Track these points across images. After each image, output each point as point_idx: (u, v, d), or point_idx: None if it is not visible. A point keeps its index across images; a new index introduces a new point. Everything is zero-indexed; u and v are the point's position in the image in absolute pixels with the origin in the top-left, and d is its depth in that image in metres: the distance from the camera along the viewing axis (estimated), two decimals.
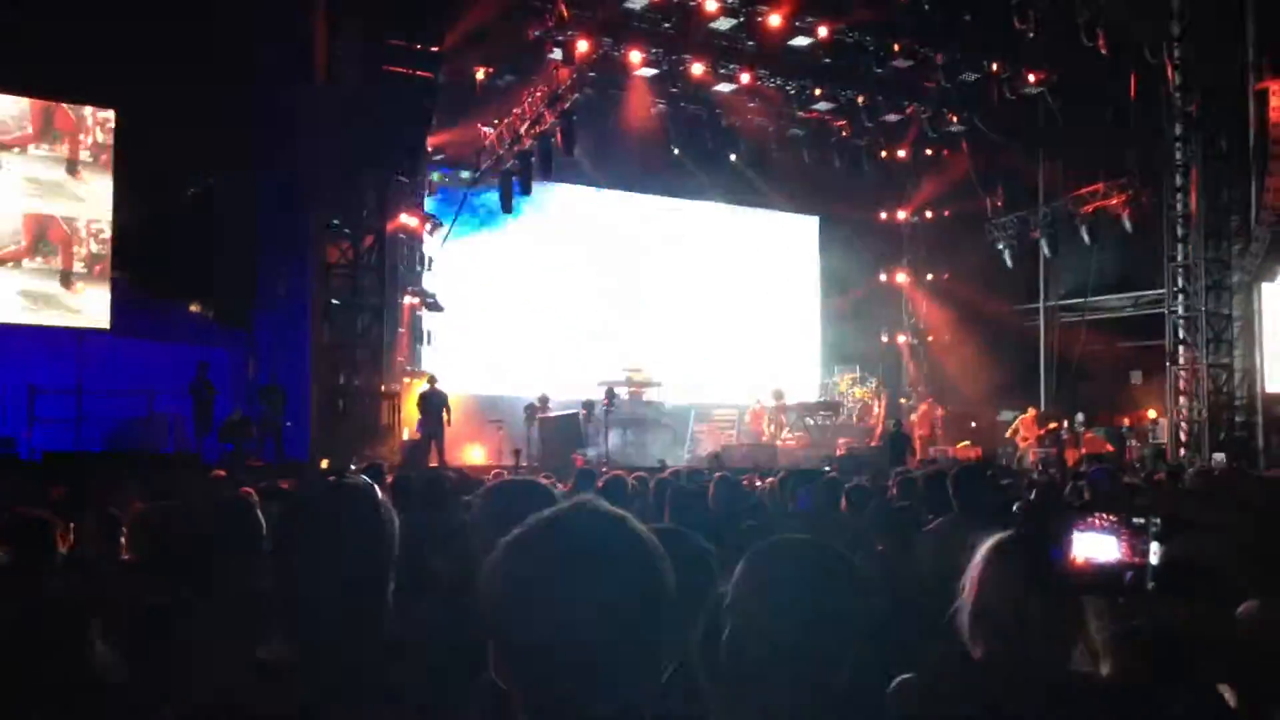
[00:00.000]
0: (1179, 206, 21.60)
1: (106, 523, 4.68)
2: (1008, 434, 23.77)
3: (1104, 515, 0.95)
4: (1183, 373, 21.79)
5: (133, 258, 18.52)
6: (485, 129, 22.13)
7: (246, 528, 2.45)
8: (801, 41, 21.45)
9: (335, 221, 18.66)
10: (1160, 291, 22.88)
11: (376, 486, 2.07)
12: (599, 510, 1.48)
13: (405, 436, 19.45)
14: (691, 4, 20.15)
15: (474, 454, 20.40)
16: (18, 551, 3.82)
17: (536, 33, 19.67)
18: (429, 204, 22.89)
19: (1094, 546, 0.96)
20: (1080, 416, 23.12)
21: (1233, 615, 0.88)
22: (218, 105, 16.86)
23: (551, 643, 1.37)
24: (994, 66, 22.57)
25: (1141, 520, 0.92)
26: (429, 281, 22.59)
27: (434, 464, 17.09)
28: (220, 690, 1.88)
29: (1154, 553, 0.91)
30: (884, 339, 29.39)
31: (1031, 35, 20.65)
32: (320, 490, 2.04)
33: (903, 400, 27.00)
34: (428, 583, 3.00)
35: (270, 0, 17.86)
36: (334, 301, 18.68)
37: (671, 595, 1.45)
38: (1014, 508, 4.87)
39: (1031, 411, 23.59)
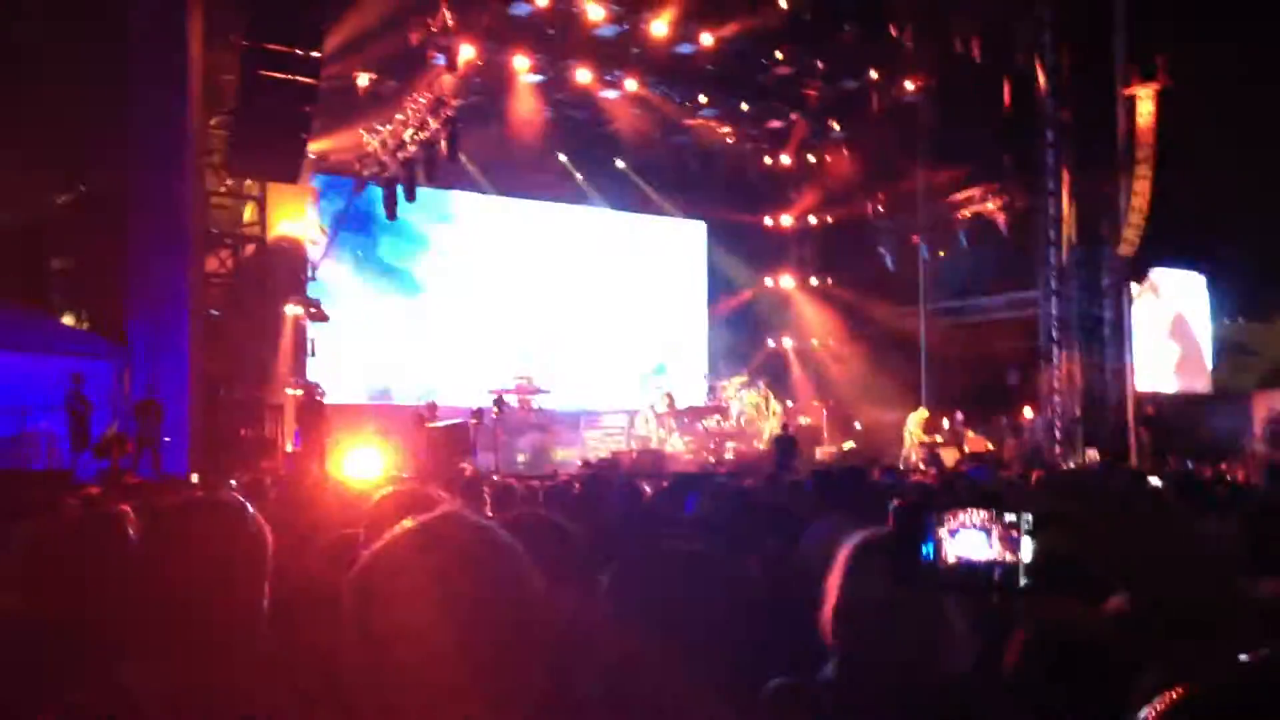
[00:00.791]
0: (1051, 210, 22.26)
1: None
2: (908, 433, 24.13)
3: (976, 512, 0.96)
4: (1057, 372, 22.44)
5: (2, 267, 17.86)
6: (368, 135, 21.82)
7: (116, 545, 2.37)
8: (685, 49, 21.61)
9: (214, 230, 18.24)
10: (1035, 293, 23.54)
11: (246, 502, 2.01)
12: (465, 519, 1.46)
13: (289, 449, 19.07)
14: (576, 11, 20.16)
15: (360, 465, 20.09)
16: None
17: (419, 38, 19.48)
18: (311, 211, 22.47)
19: (966, 544, 0.97)
20: (960, 416, 23.64)
21: (1100, 610, 0.90)
22: (91, 110, 16.36)
23: (410, 652, 1.33)
24: (873, 74, 23.00)
25: (1013, 517, 0.93)
26: (312, 290, 22.19)
27: (318, 476, 16.79)
28: (74, 712, 1.80)
29: (1025, 549, 0.93)
30: (770, 343, 29.71)
31: (909, 44, 21.09)
32: (186, 506, 1.97)
33: (790, 403, 27.31)
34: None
35: (144, 2, 17.38)
36: (214, 312, 18.24)
37: (538, 601, 1.43)
38: (890, 506, 4.91)
39: (923, 411, 24.04)
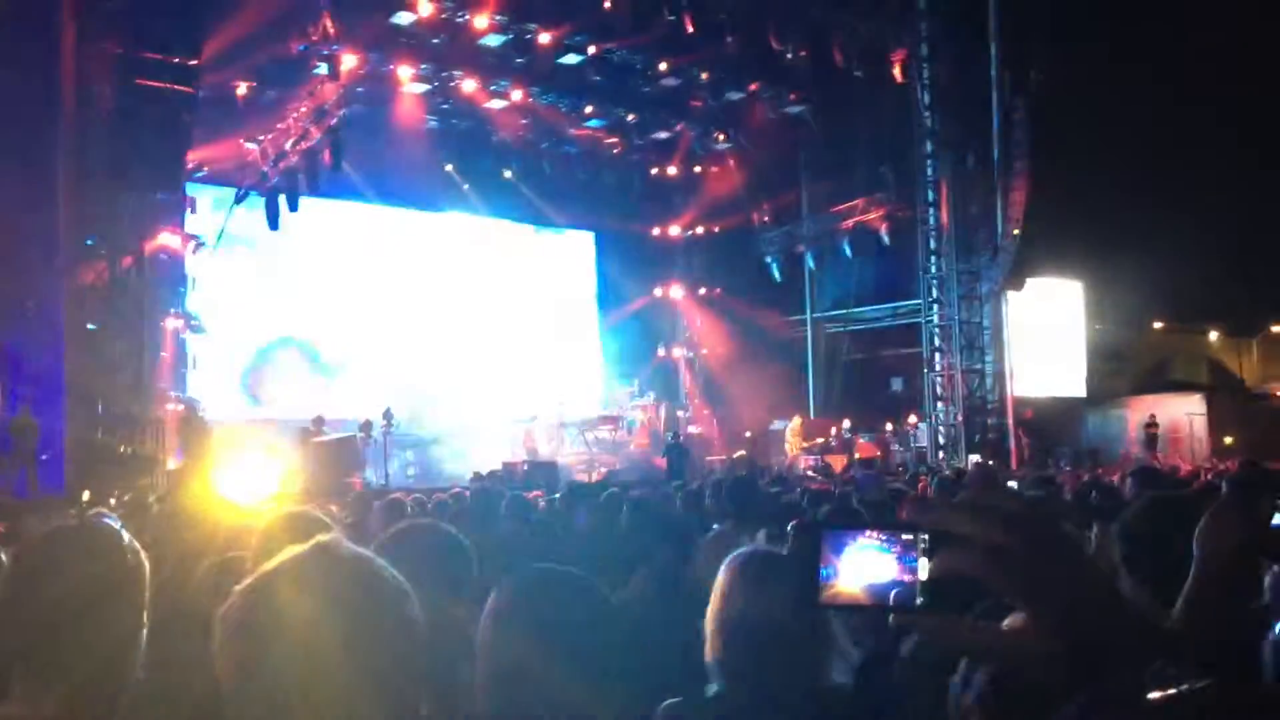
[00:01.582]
0: (931, 220, 22.77)
1: None
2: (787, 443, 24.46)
3: (873, 531, 0.97)
4: (939, 379, 22.95)
5: None
6: (249, 144, 21.38)
7: None
8: (571, 59, 21.63)
9: (90, 241, 17.71)
10: (917, 302, 24.06)
11: (123, 526, 1.95)
12: (341, 551, 1.43)
13: (170, 465, 18.57)
14: (460, 20, 20.01)
15: (246, 481, 19.64)
16: None
17: (300, 47, 19.17)
18: (191, 222, 21.92)
19: (864, 564, 0.98)
20: (847, 423, 24.02)
21: (998, 628, 0.91)
22: None
23: (287, 687, 1.30)
24: (756, 86, 23.29)
25: (910, 536, 0.95)
26: (192, 303, 21.67)
27: (201, 494, 16.36)
28: None
29: (922, 569, 0.94)
30: (661, 352, 29.82)
31: (789, 57, 21.39)
32: (58, 535, 1.90)
33: (680, 413, 27.45)
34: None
35: (13, 5, 16.79)
36: (90, 326, 17.70)
37: (418, 634, 1.42)
38: (789, 526, 4.99)
39: (798, 419, 24.37)
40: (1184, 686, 0.85)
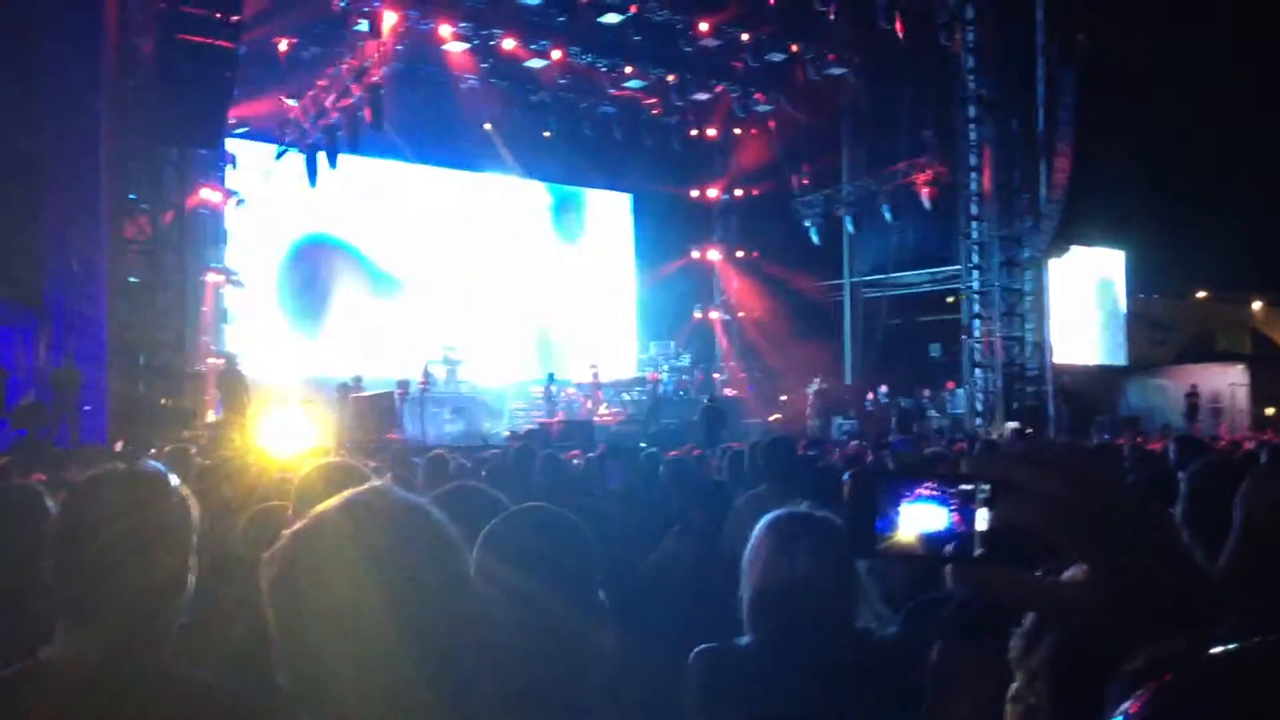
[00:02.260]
0: (973, 185, 22.52)
1: None
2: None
3: (931, 482, 0.96)
4: (977, 345, 22.77)
5: None
6: (289, 101, 21.44)
7: (32, 518, 2.31)
8: (612, 19, 21.48)
9: (132, 196, 17.85)
10: (957, 268, 23.85)
11: (167, 465, 1.97)
12: (394, 495, 1.43)
13: (210, 418, 18.78)
14: None
15: (285, 436, 19.81)
16: None
17: (342, 3, 19.16)
18: (230, 177, 22.04)
19: (921, 515, 0.96)
20: (884, 388, 23.92)
21: (1058, 581, 0.90)
22: (2, 75, 15.84)
23: (335, 629, 1.31)
24: (798, 47, 23.05)
25: (969, 486, 0.93)
26: (230, 258, 21.83)
27: (242, 447, 16.55)
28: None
29: (980, 519, 0.93)
30: (697, 315, 29.77)
31: (832, 18, 21.15)
32: (106, 478, 1.92)
33: (716, 375, 27.42)
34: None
35: None
36: (132, 279, 17.87)
37: (467, 579, 1.42)
38: (844, 478, 4.98)
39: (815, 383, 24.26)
40: (1246, 642, 0.84)
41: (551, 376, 23.69)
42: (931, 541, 1.05)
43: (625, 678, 2.12)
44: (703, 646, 2.44)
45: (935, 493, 1.04)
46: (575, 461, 9.81)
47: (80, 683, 1.78)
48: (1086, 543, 0.93)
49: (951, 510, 1.03)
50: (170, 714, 1.82)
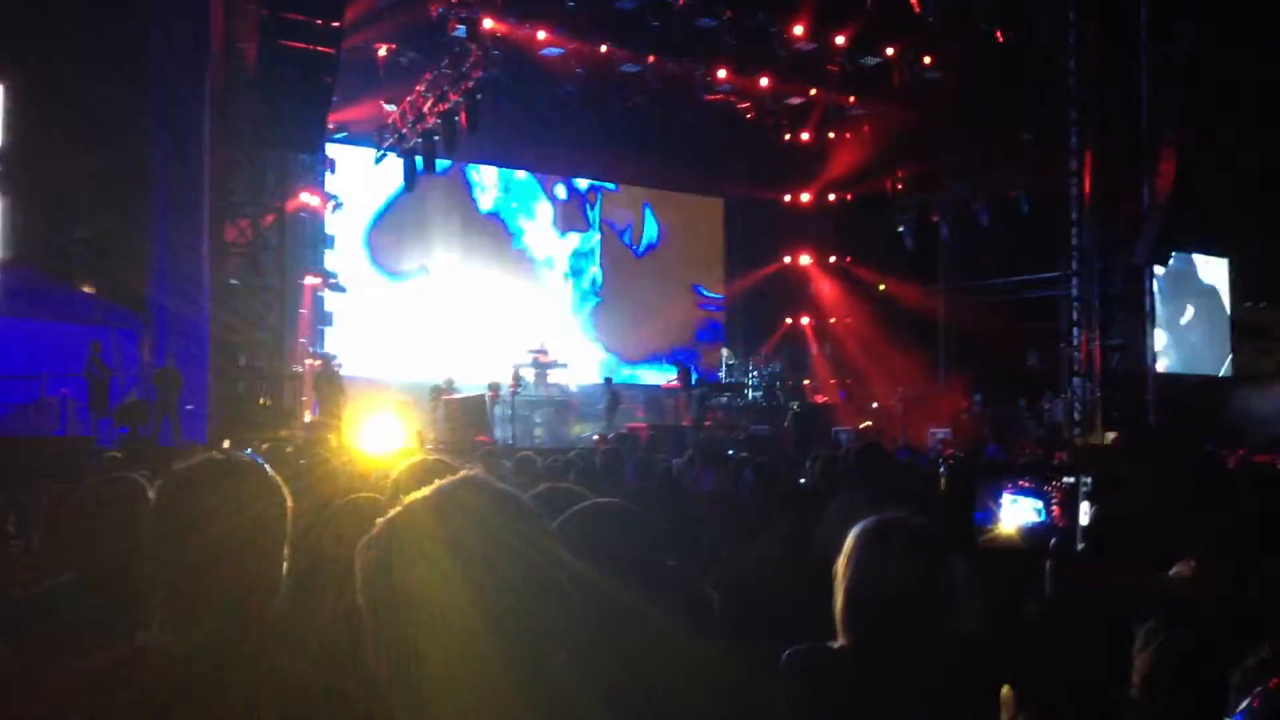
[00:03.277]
0: (1074, 190, 22.04)
1: None
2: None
3: (1033, 476, 0.92)
4: (1076, 353, 22.28)
5: (20, 238, 17.85)
6: (388, 106, 21.79)
7: (134, 510, 2.35)
8: (706, 23, 21.44)
9: (234, 200, 18.27)
10: (1055, 274, 23.36)
11: (264, 462, 1.99)
12: (486, 484, 1.43)
13: (307, 419, 19.13)
14: None
15: (379, 437, 20.10)
16: None
17: (439, 9, 19.40)
18: (329, 182, 22.46)
19: (1021, 509, 0.92)
20: (979, 397, 23.54)
21: (1165, 576, 0.86)
22: (109, 78, 16.32)
23: (427, 615, 1.31)
24: (893, 51, 22.80)
25: (1071, 480, 0.89)
26: (330, 261, 22.22)
27: (337, 446, 16.81)
28: (93, 678, 1.79)
29: (1084, 513, 0.88)
30: (788, 321, 29.59)
31: (930, 20, 20.89)
32: (204, 467, 1.94)
33: (807, 382, 27.22)
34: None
35: None
36: (233, 282, 18.28)
37: (561, 566, 1.42)
38: (941, 468, 4.93)
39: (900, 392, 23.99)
40: None
41: (630, 380, 23.75)
42: (1033, 535, 1.02)
43: (716, 678, 2.10)
44: (795, 648, 2.42)
45: (1036, 487, 1.01)
46: (673, 464, 9.80)
47: (175, 670, 1.80)
48: (1195, 535, 0.89)
49: (1051, 504, 0.99)
50: (264, 702, 1.84)
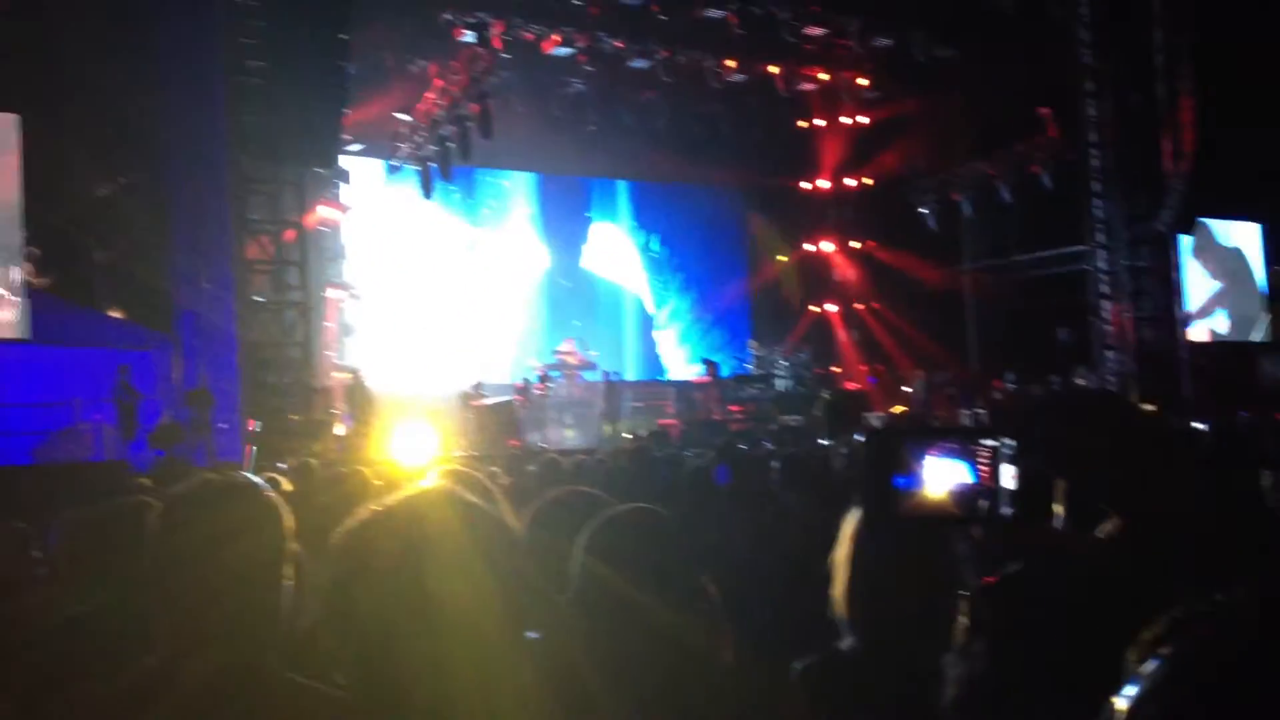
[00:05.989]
0: (1094, 162, 21.84)
1: (16, 536, 4.51)
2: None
3: (954, 438, 0.89)
4: (1107, 327, 22.09)
5: (45, 265, 17.99)
6: (400, 115, 21.84)
7: (137, 534, 2.35)
8: (714, 14, 21.38)
9: (254, 217, 18.37)
10: (1082, 247, 23.15)
11: (260, 481, 1.97)
12: (450, 496, 1.41)
13: (339, 432, 19.20)
14: None
15: (411, 446, 20.14)
16: None
17: (447, 15, 19.43)
18: (344, 193, 22.52)
19: (944, 473, 0.89)
20: (1011, 376, 23.35)
21: (1091, 536, 0.83)
22: (127, 101, 16.44)
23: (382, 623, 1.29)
24: (906, 31, 22.68)
25: (994, 442, 0.86)
26: (349, 272, 22.34)
27: (368, 458, 16.87)
28: (102, 703, 1.78)
29: (1007, 476, 0.86)
30: (813, 308, 29.44)
31: None
32: (199, 489, 1.94)
33: (836, 369, 27.09)
34: None
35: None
36: (257, 299, 18.39)
37: (525, 575, 1.39)
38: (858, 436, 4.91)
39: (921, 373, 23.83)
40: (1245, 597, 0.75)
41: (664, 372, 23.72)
42: (961, 498, 0.98)
43: (732, 677, 2.06)
44: (805, 662, 2.34)
45: (961, 449, 0.97)
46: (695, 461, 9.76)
47: (183, 691, 1.79)
48: (1116, 494, 0.85)
49: (976, 467, 0.96)
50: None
